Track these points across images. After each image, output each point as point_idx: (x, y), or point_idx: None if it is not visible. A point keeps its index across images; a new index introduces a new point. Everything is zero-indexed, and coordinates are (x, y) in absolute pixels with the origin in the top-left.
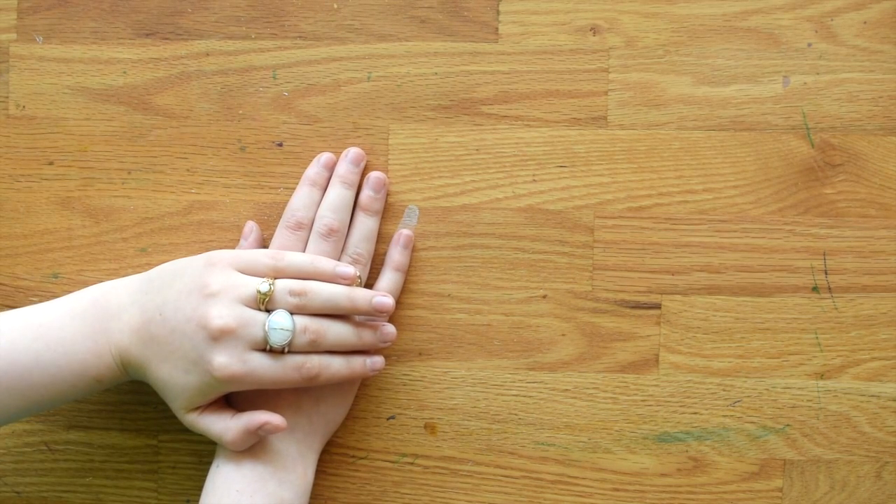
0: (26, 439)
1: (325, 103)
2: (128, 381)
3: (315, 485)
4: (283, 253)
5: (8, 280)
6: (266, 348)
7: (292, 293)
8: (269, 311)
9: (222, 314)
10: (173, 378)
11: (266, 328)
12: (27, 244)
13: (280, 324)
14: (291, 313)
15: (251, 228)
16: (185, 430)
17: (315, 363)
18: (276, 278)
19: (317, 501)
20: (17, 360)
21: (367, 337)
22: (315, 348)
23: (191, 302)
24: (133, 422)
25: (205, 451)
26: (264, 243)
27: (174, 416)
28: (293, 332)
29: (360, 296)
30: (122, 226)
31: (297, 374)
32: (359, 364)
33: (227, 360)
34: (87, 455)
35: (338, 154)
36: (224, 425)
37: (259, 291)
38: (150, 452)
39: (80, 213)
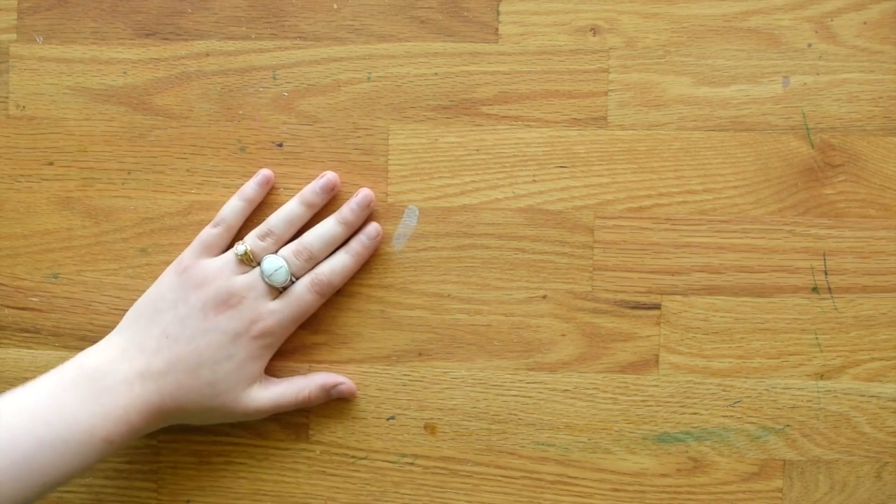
0: None
1: (325, 103)
2: (140, 436)
3: (315, 485)
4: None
5: (8, 280)
6: (279, 291)
7: (261, 237)
8: (258, 264)
9: (228, 292)
10: (218, 370)
11: (265, 278)
12: (27, 244)
13: (273, 265)
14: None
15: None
16: (185, 430)
17: (323, 272)
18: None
19: (317, 501)
20: (19, 447)
21: (348, 216)
22: (314, 262)
23: (193, 305)
24: None
25: (205, 452)
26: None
27: None
28: (287, 263)
29: (307, 191)
30: (122, 226)
31: (313, 292)
32: (359, 244)
33: (260, 319)
34: None
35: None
36: (297, 386)
37: (238, 255)
38: (150, 452)
39: (80, 213)
